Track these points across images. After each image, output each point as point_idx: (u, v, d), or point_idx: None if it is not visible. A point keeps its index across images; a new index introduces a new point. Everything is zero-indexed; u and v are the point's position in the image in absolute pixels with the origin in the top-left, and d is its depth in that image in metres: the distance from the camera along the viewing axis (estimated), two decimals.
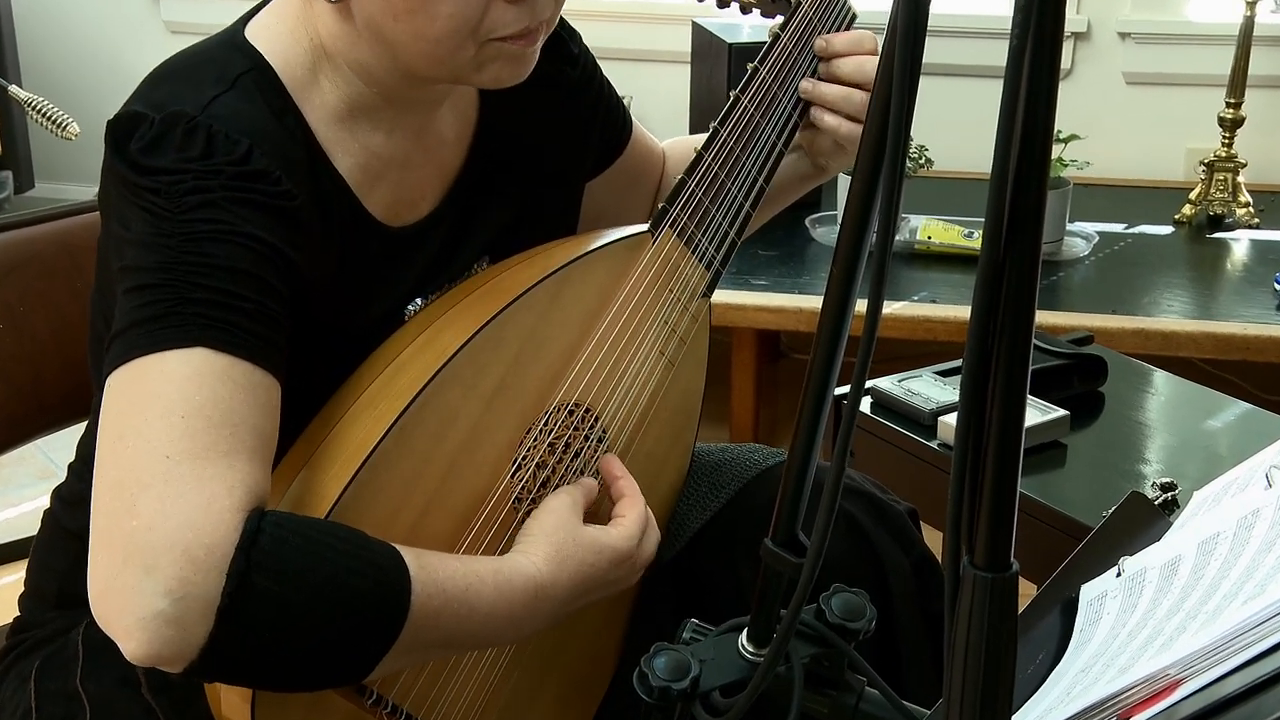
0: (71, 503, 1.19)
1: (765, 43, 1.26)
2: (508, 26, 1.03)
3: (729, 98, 1.24)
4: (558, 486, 1.12)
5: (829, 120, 1.26)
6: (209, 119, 0.99)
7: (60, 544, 1.20)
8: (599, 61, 1.31)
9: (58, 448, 2.46)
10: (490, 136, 1.19)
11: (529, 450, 1.11)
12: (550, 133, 1.24)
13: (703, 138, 1.23)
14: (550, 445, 1.13)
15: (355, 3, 1.02)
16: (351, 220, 1.08)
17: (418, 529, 1.03)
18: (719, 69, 2.75)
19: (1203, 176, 2.86)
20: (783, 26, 1.26)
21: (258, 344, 0.95)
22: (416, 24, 1.01)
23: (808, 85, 1.26)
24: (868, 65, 1.24)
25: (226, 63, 1.04)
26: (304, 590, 0.90)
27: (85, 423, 1.21)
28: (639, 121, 1.39)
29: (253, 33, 1.07)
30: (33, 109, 1.99)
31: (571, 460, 1.15)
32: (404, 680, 1.05)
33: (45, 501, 1.24)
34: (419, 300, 1.14)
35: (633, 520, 1.11)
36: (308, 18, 1.06)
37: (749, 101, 1.24)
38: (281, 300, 0.98)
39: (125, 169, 0.98)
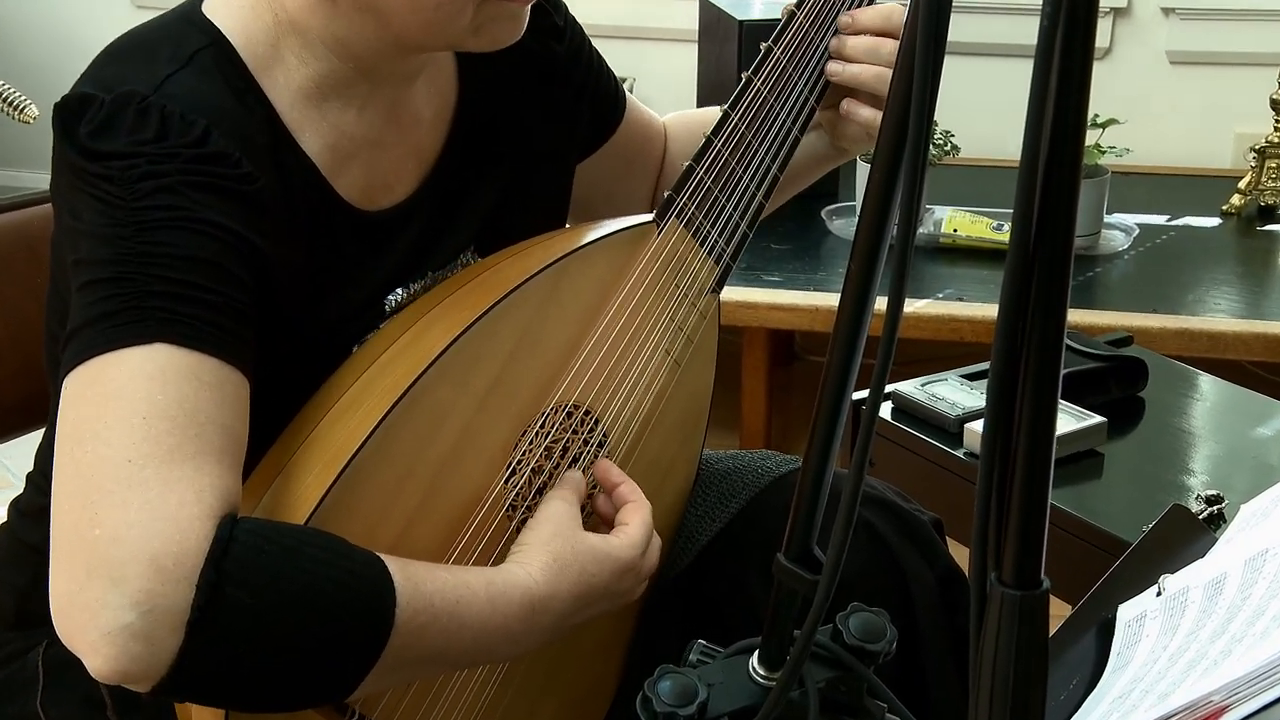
0: (30, 515, 1.19)
1: (779, 20, 1.26)
2: None
3: (740, 79, 1.24)
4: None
5: (865, 114, 1.26)
6: (163, 99, 0.99)
7: (18, 559, 1.20)
8: (597, 40, 1.31)
9: (15, 456, 2.46)
10: (472, 115, 1.20)
11: (524, 454, 1.12)
12: (537, 111, 1.24)
13: (710, 112, 1.24)
14: (547, 449, 1.14)
15: None
16: (320, 203, 1.08)
17: (404, 537, 1.03)
18: (729, 48, 2.75)
19: (1253, 164, 2.86)
20: (799, 4, 1.26)
21: (223, 338, 0.96)
22: None
23: (837, 68, 1.26)
24: (884, 48, 1.24)
25: (181, 39, 1.05)
26: (279, 602, 0.90)
27: (44, 430, 1.21)
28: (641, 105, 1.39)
29: (210, 8, 1.07)
30: None
31: (570, 465, 1.15)
32: (388, 700, 1.05)
33: (2, 514, 1.24)
34: (400, 290, 1.14)
35: (637, 527, 1.11)
36: None
37: (762, 83, 1.24)
38: (246, 290, 0.99)
39: (75, 155, 0.98)
